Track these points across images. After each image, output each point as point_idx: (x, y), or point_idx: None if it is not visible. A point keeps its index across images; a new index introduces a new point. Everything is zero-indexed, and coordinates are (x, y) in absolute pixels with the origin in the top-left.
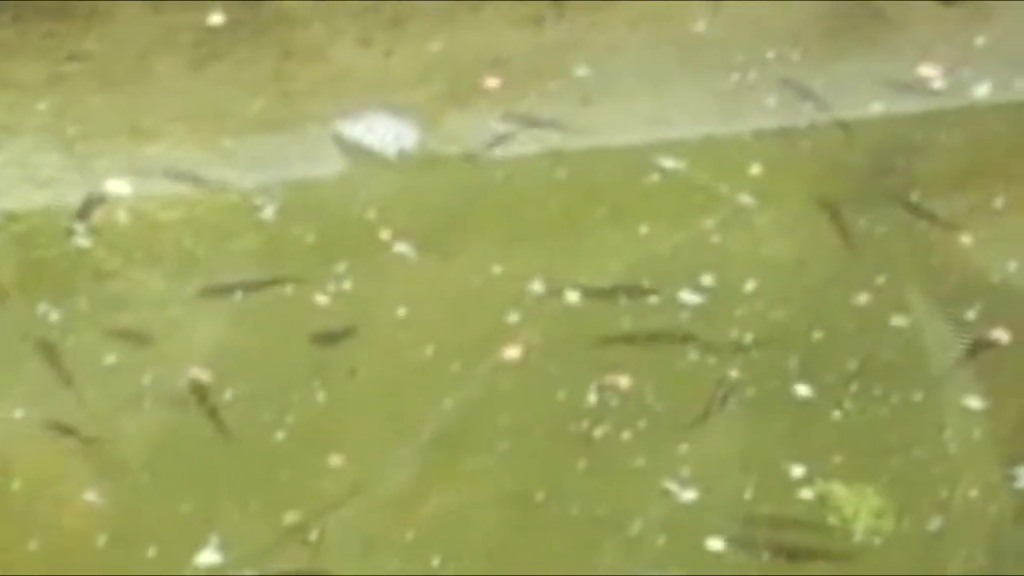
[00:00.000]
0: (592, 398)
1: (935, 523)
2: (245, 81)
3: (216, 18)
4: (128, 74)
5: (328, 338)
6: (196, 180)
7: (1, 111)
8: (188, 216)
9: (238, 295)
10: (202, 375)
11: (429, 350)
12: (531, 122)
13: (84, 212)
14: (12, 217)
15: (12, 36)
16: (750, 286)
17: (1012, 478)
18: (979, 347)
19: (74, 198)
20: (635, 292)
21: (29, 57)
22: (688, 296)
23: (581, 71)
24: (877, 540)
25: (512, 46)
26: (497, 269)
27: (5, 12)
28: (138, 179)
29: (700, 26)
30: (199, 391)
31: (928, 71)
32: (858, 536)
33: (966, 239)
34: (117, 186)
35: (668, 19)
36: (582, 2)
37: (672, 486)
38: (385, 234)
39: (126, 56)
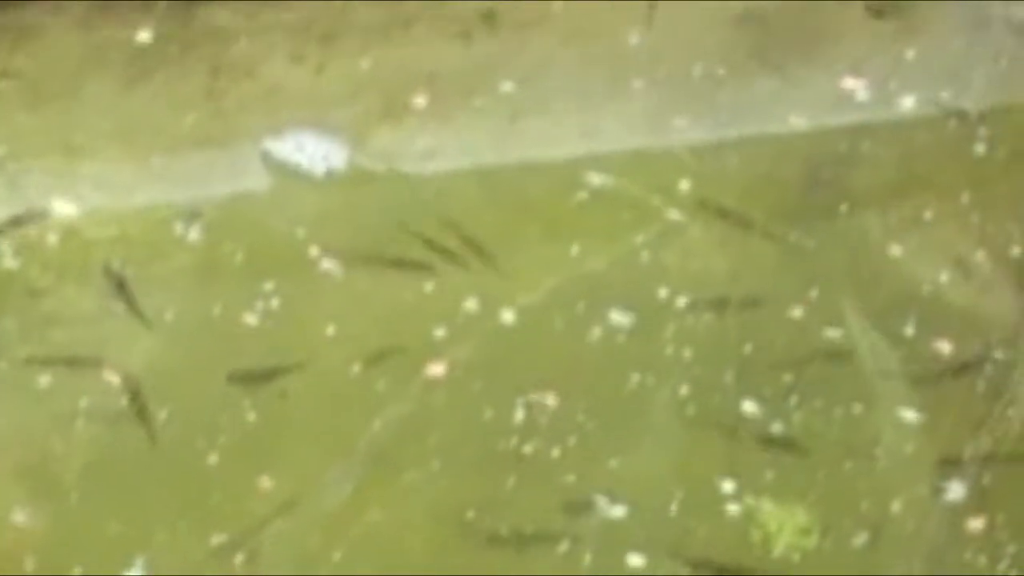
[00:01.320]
0: (520, 415)
1: (861, 539)
2: (176, 98)
3: (144, 35)
4: (59, 92)
5: (255, 377)
6: (127, 198)
7: None
8: (120, 234)
9: (168, 315)
10: (134, 396)
11: (356, 368)
12: (460, 138)
13: (10, 229)
14: None
15: None
16: (681, 302)
17: (942, 491)
18: (913, 359)
19: (5, 216)
20: (569, 310)
21: None
22: (620, 314)
23: (509, 87)
24: (796, 556)
25: (442, 62)
26: (428, 286)
27: None
28: (69, 197)
29: (632, 41)
30: (131, 412)
31: (855, 84)
32: (777, 552)
33: (897, 251)
34: (48, 204)
35: (599, 35)
36: (513, 18)
37: (601, 502)
38: (314, 251)
39: (56, 74)
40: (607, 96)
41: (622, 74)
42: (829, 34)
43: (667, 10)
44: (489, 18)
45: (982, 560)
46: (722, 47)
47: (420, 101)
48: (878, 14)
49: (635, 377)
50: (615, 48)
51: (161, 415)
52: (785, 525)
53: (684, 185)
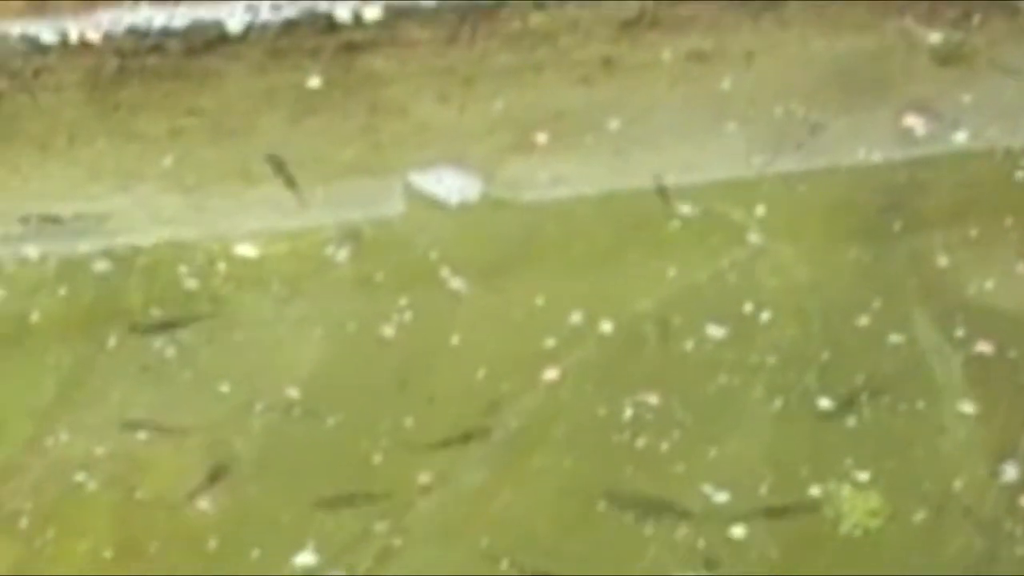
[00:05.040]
0: (628, 413)
1: (923, 516)
2: (337, 134)
3: (313, 80)
4: (237, 128)
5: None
6: (292, 220)
7: (130, 160)
8: (286, 252)
9: (320, 326)
10: (304, 395)
11: (480, 373)
12: (576, 170)
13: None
14: (138, 251)
15: (138, 95)
16: (765, 316)
17: (999, 473)
18: (969, 357)
19: (191, 235)
20: (664, 323)
21: (152, 113)
22: (712, 327)
23: (617, 125)
24: (859, 532)
25: (565, 103)
26: (540, 301)
27: (133, 75)
28: (246, 219)
29: (725, 85)
30: (301, 413)
31: (915, 121)
32: (845, 528)
33: (950, 263)
34: (228, 225)
35: (702, 77)
36: (628, 63)
37: (708, 489)
38: (444, 272)
39: (235, 112)
40: (703, 133)
41: (718, 114)
42: (898, 79)
43: (760, 58)
44: (608, 64)
45: (1019, 531)
46: (805, 90)
47: (543, 138)
48: (943, 62)
49: (723, 379)
50: (712, 91)
51: (329, 420)
52: (857, 505)
53: (765, 212)
